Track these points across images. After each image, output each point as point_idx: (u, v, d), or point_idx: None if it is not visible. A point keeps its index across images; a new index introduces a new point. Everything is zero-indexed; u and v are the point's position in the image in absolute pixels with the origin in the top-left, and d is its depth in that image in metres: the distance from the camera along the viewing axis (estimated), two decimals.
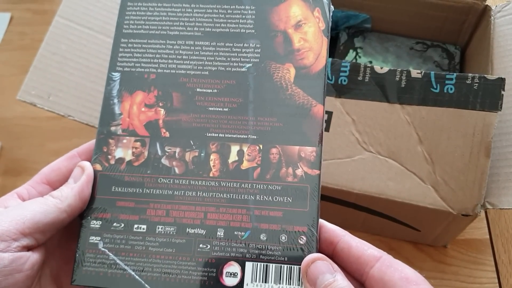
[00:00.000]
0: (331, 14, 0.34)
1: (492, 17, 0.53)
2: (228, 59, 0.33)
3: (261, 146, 0.31)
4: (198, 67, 0.33)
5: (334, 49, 0.66)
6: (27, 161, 0.67)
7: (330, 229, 0.29)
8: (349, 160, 0.44)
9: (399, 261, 0.27)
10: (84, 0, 0.53)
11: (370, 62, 0.64)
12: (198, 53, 0.33)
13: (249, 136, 0.31)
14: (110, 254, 0.30)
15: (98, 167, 0.32)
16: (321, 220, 0.30)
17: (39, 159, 0.67)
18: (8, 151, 0.68)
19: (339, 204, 0.48)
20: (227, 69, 0.33)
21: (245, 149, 0.31)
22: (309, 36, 0.33)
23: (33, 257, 0.27)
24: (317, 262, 0.27)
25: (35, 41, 0.72)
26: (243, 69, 0.33)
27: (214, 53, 0.33)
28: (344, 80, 0.45)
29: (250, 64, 0.33)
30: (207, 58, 0.33)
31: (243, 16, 0.34)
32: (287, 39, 0.33)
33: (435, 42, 0.64)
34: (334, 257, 0.29)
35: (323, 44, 0.33)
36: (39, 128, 0.69)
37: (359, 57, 0.65)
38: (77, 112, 0.49)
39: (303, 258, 0.28)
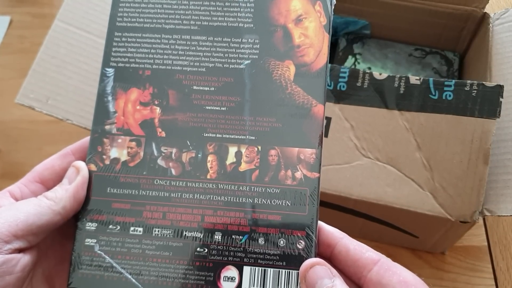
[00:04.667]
0: (333, 8, 0.32)
1: (490, 25, 0.54)
2: (225, 55, 0.32)
3: (259, 147, 0.30)
4: (195, 63, 0.32)
5: (333, 55, 0.66)
6: (25, 164, 0.67)
7: (329, 231, 0.29)
8: (348, 166, 0.44)
9: (398, 264, 0.27)
10: (84, 4, 0.53)
11: (369, 68, 0.64)
12: (194, 48, 0.32)
13: (247, 137, 0.31)
14: (107, 257, 0.30)
15: (93, 167, 0.31)
16: (319, 222, 0.29)
17: (37, 162, 0.65)
18: (6, 154, 0.68)
19: (337, 210, 0.48)
20: (224, 65, 0.32)
21: (243, 150, 0.31)
22: (310, 31, 0.32)
23: (25, 258, 0.27)
24: (316, 267, 0.27)
25: (34, 44, 0.72)
26: (241, 66, 0.31)
27: (211, 49, 0.32)
28: (343, 86, 0.45)
29: (249, 61, 0.32)
30: (204, 53, 0.32)
31: (241, 9, 0.32)
32: (287, 34, 0.32)
33: (434, 49, 0.65)
34: (332, 260, 0.29)
35: (324, 41, 0.32)
36: (37, 132, 0.69)
37: (358, 63, 0.65)
38: (75, 116, 0.49)
39: (301, 263, 0.28)
